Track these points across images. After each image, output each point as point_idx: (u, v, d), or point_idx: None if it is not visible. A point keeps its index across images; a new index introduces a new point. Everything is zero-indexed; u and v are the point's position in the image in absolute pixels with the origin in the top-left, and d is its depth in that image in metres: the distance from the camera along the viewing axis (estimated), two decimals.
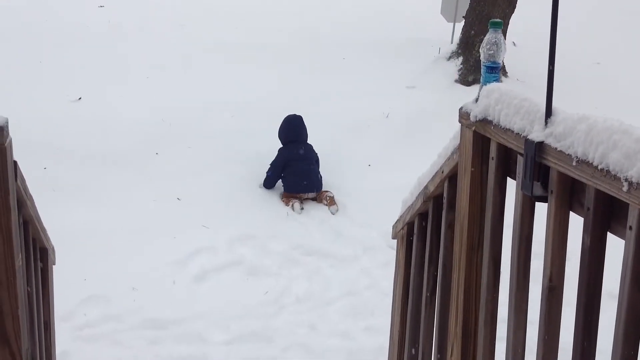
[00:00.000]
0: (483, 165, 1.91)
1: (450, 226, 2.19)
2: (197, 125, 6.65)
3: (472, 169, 1.92)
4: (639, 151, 1.18)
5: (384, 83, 7.80)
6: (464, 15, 8.40)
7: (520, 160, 1.61)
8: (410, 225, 2.78)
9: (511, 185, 1.75)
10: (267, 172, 5.85)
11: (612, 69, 8.80)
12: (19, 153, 1.94)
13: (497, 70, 1.96)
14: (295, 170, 5.73)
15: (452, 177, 2.16)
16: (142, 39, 8.97)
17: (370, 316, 4.31)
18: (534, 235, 1.67)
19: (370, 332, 4.15)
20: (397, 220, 2.99)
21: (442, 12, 9.13)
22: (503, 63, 2.01)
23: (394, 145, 6.52)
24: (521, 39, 9.00)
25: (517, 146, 1.64)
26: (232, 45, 8.87)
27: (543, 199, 1.56)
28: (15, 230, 1.80)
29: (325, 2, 11.44)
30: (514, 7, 8.07)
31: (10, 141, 1.76)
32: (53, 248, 3.06)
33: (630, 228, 1.22)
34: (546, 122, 1.51)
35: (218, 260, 4.78)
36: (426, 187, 2.43)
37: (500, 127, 1.72)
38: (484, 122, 1.83)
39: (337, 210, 5.63)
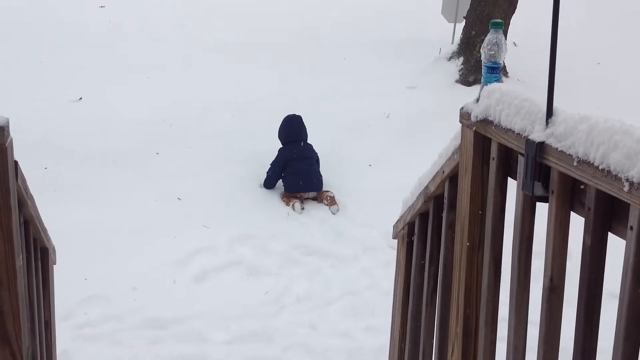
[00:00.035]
0: (484, 165, 1.91)
1: (451, 226, 2.19)
2: (197, 125, 6.66)
3: (473, 169, 1.92)
4: (639, 151, 1.18)
5: (385, 83, 7.80)
6: (465, 15, 8.40)
7: (521, 161, 1.61)
8: (411, 225, 2.78)
9: (512, 185, 1.75)
10: (267, 172, 5.85)
11: (613, 69, 8.80)
12: (20, 153, 1.94)
13: (498, 71, 1.96)
14: (296, 170, 5.73)
15: (453, 177, 2.16)
16: (143, 39, 8.98)
17: (370, 316, 4.31)
18: (534, 235, 1.67)
19: (370, 332, 4.15)
20: (398, 220, 2.99)
21: (442, 13, 9.13)
22: (504, 63, 2.01)
23: (394, 145, 6.52)
24: (522, 39, 9.00)
25: (518, 146, 1.64)
26: (232, 45, 8.87)
27: (544, 199, 1.56)
28: (16, 230, 1.80)
29: (326, 2, 11.44)
30: (515, 8, 8.07)
31: (11, 141, 1.76)
32: (54, 248, 3.06)
33: (632, 228, 1.22)
34: (547, 122, 1.51)
35: (218, 260, 4.78)
36: (427, 187, 2.43)
37: (501, 127, 1.72)
38: (485, 122, 1.83)
39: (337, 210, 5.63)
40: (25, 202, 2.08)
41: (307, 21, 10.23)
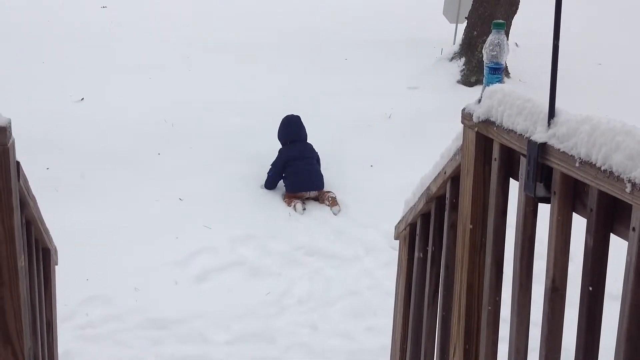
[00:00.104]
0: (486, 166, 1.91)
1: (453, 227, 2.19)
2: (198, 125, 6.66)
3: (475, 170, 1.92)
4: None
5: (386, 83, 7.80)
6: (467, 16, 8.40)
7: (523, 162, 1.61)
8: (412, 225, 2.78)
9: (514, 186, 1.75)
10: (267, 173, 5.85)
11: (614, 70, 8.79)
12: (21, 153, 1.94)
13: (499, 71, 1.96)
14: (296, 170, 5.73)
15: (454, 178, 2.16)
16: (143, 39, 8.99)
17: (371, 316, 4.31)
18: (536, 236, 1.67)
19: (372, 332, 4.15)
20: (400, 220, 2.99)
21: (444, 13, 9.13)
22: (505, 64, 2.01)
23: (396, 145, 6.52)
24: (523, 40, 9.00)
25: (519, 147, 1.63)
26: (232, 45, 8.88)
27: (546, 200, 1.56)
28: (18, 230, 1.80)
29: (326, 2, 11.45)
30: (517, 8, 8.08)
31: (13, 141, 1.76)
32: (55, 248, 3.06)
33: (634, 229, 1.22)
34: (549, 123, 1.51)
35: (220, 261, 4.78)
36: (429, 188, 2.43)
37: (503, 128, 1.72)
38: (487, 123, 1.83)
39: (339, 211, 5.62)
40: (27, 203, 2.08)
41: (307, 21, 10.23)
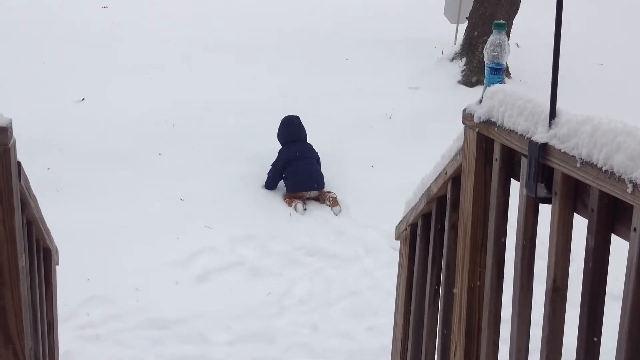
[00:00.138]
0: (487, 166, 1.91)
1: (454, 227, 2.19)
2: (199, 125, 6.66)
3: (476, 171, 1.92)
4: None
5: (387, 84, 7.80)
6: (467, 16, 8.40)
7: (524, 162, 1.61)
8: (413, 226, 2.78)
9: (515, 186, 1.75)
10: (268, 173, 5.85)
11: (615, 70, 8.79)
12: (22, 153, 1.94)
13: (500, 72, 1.96)
14: (296, 170, 5.73)
15: (455, 179, 2.16)
16: (144, 39, 8.99)
17: (372, 317, 4.31)
18: (537, 237, 1.67)
19: (372, 332, 4.15)
20: (401, 221, 2.99)
21: (445, 13, 9.13)
22: (506, 64, 2.01)
23: (396, 146, 6.52)
24: (524, 40, 9.00)
25: (521, 147, 1.63)
26: (233, 45, 8.89)
27: (547, 201, 1.56)
28: (19, 230, 1.80)
29: (326, 2, 11.45)
30: (518, 9, 8.07)
31: (14, 142, 1.76)
32: (56, 248, 3.07)
33: (635, 230, 1.22)
34: (550, 124, 1.51)
35: (220, 261, 4.78)
36: (429, 189, 2.43)
37: (504, 128, 1.72)
38: (488, 123, 1.83)
39: (340, 211, 5.63)
40: (28, 203, 2.08)
41: (307, 21, 10.23)
